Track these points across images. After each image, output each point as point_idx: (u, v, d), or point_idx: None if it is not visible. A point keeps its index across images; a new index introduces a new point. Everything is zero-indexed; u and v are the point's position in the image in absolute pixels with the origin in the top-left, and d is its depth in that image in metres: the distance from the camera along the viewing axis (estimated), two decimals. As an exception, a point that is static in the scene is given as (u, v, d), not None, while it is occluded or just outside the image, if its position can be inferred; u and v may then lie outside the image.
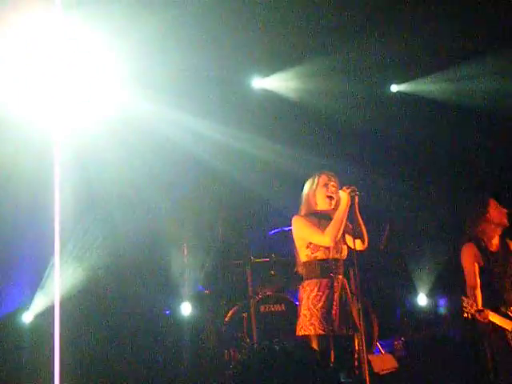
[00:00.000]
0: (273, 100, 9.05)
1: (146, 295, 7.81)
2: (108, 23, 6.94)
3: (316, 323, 5.56)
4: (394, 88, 9.42)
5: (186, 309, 7.93)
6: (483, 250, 6.12)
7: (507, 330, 5.89)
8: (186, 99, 8.09)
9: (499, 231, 6.22)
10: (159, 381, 7.20)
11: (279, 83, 9.03)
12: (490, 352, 6.01)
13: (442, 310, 8.94)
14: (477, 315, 5.81)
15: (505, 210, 6.21)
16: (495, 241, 6.22)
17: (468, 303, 5.81)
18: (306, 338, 5.58)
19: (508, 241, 6.28)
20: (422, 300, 9.15)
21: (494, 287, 6.04)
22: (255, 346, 7.03)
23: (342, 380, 4.26)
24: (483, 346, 6.07)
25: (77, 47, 6.97)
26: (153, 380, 7.20)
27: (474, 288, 5.97)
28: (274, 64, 8.82)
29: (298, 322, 5.68)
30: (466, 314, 5.79)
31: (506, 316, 5.94)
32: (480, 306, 5.83)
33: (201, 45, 7.78)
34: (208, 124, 8.43)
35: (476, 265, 6.06)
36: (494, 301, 5.97)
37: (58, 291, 6.60)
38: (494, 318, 5.87)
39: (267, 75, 9.05)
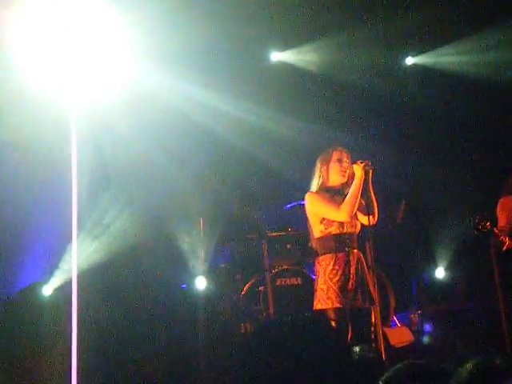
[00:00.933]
0: (290, 73, 9.00)
1: (162, 270, 7.83)
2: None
3: (333, 297, 5.59)
4: (410, 60, 9.32)
5: (201, 283, 7.95)
6: None
7: None
8: (201, 73, 8.06)
9: None
10: (176, 354, 7.24)
11: (297, 56, 8.98)
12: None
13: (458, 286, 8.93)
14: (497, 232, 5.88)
15: None
16: None
17: (483, 220, 5.84)
18: (324, 311, 5.61)
19: None
20: (440, 273, 9.12)
21: None
22: (270, 318, 7.05)
23: (358, 352, 4.26)
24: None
25: (92, 21, 6.95)
26: (170, 353, 7.24)
27: None
28: (291, 38, 8.78)
29: (315, 296, 5.71)
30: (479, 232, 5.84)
31: None
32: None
33: (216, 18, 7.76)
34: (224, 98, 8.41)
35: None
36: None
37: (75, 266, 6.66)
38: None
39: (284, 49, 9.00)
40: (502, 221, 6.17)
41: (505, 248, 5.97)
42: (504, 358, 2.68)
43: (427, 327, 8.03)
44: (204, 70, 8.07)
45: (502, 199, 6.32)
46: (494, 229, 5.94)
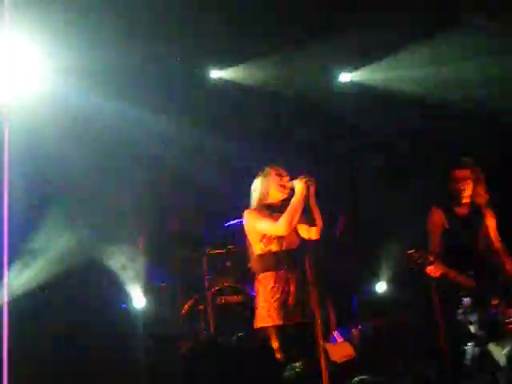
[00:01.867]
0: (229, 90, 9.02)
1: (100, 290, 7.73)
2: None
3: (274, 314, 5.58)
4: (345, 77, 9.40)
5: (141, 302, 7.87)
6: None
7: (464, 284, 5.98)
8: (137, 90, 8.05)
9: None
10: (115, 374, 7.13)
11: (236, 73, 9.01)
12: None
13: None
14: (427, 266, 5.90)
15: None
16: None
17: (417, 253, 5.86)
18: (265, 329, 5.60)
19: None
20: (381, 287, 9.18)
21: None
22: (207, 337, 7.03)
23: (298, 368, 4.27)
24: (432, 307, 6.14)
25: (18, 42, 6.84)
26: (108, 373, 7.13)
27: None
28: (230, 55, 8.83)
29: (256, 315, 5.70)
30: (414, 265, 5.87)
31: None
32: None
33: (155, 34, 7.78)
34: (160, 117, 8.40)
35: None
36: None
37: (6, 292, 6.50)
38: (450, 271, 5.96)
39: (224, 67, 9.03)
40: (435, 241, 6.20)
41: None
42: (439, 373, 2.70)
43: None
44: (140, 87, 8.05)
45: (431, 212, 6.36)
46: (429, 257, 5.97)
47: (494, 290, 6.03)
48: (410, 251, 5.87)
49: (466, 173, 6.30)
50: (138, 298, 7.87)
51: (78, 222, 7.79)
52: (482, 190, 6.35)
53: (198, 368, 2.03)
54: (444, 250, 6.08)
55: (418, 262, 5.89)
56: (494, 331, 5.89)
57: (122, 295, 7.95)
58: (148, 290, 7.96)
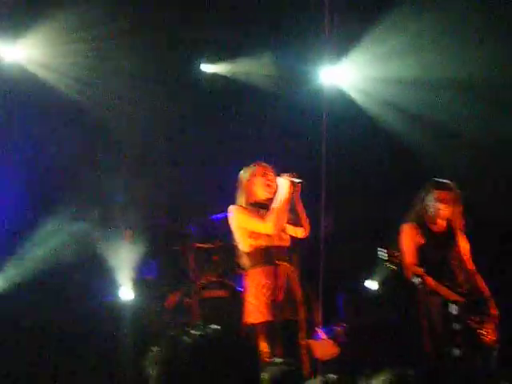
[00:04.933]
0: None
1: (86, 283, 7.72)
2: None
3: (264, 310, 5.61)
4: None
5: (128, 295, 7.86)
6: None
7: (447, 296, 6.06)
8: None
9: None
10: (101, 367, 7.13)
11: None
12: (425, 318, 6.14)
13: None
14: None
15: None
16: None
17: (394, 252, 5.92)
18: (255, 325, 5.63)
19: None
20: (370, 285, 9.19)
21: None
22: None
23: (281, 366, 4.27)
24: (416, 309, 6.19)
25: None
26: (94, 366, 7.13)
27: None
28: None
29: (245, 310, 5.72)
30: (391, 264, 5.92)
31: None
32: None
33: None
34: (151, 108, 8.41)
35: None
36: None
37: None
38: (432, 282, 6.05)
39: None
40: (408, 254, 6.27)
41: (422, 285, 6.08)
42: (416, 370, 2.73)
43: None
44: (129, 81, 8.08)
45: (406, 227, 6.42)
46: (406, 264, 6.04)
47: (471, 306, 6.14)
48: (381, 250, 5.94)
49: (447, 195, 6.36)
50: (125, 291, 7.85)
51: (64, 215, 7.78)
52: (458, 212, 6.43)
53: (181, 361, 2.05)
54: (418, 265, 6.13)
55: (395, 262, 5.95)
56: (475, 342, 5.99)
57: (108, 288, 7.94)
58: (134, 283, 7.94)
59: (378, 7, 8.26)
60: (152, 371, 2.21)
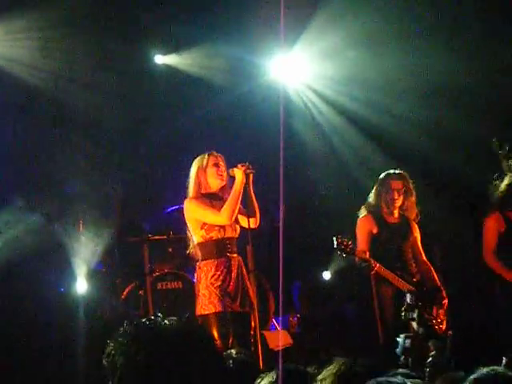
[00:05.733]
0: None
1: (38, 274, 7.64)
2: None
3: (215, 301, 5.64)
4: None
5: (82, 286, 7.80)
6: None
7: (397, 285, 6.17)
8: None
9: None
10: (54, 360, 7.08)
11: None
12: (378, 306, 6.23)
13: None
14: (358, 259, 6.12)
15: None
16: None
17: (341, 239, 6.01)
18: (206, 316, 5.66)
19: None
20: (325, 277, 9.25)
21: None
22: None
23: (235, 355, 4.29)
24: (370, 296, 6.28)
25: None
26: (47, 358, 7.07)
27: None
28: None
29: (197, 302, 5.75)
30: (342, 252, 6.05)
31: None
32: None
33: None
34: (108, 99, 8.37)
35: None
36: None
37: None
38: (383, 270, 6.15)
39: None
40: (361, 243, 6.39)
41: (373, 272, 6.18)
42: (366, 361, 2.78)
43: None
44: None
45: (360, 218, 6.57)
46: (356, 252, 6.15)
47: (422, 295, 6.26)
48: (336, 237, 6.03)
49: (399, 184, 6.46)
50: (80, 283, 7.80)
51: (19, 207, 7.70)
52: (411, 202, 6.54)
53: (136, 353, 2.04)
54: (371, 255, 6.22)
55: (345, 251, 6.04)
56: (431, 330, 6.10)
57: (62, 280, 7.88)
58: (89, 275, 7.88)
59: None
60: (108, 363, 2.20)
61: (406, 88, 8.33)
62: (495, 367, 2.67)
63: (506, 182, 6.54)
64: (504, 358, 3.68)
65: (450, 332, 6.16)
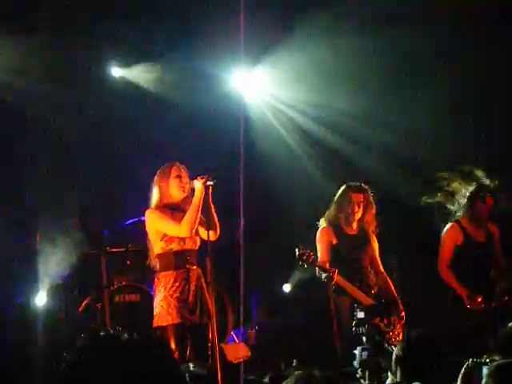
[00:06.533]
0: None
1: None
2: None
3: (173, 313, 5.63)
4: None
5: (41, 299, 7.73)
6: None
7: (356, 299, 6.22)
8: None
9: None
10: (10, 371, 6.99)
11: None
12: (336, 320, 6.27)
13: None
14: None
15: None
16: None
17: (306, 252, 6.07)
18: (164, 328, 5.65)
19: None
20: (285, 289, 9.27)
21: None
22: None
23: (192, 368, 4.31)
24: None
25: None
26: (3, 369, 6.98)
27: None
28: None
29: (155, 314, 5.73)
30: (303, 263, 6.10)
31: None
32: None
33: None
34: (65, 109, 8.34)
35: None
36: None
37: None
38: (342, 281, 6.19)
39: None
40: (321, 254, 6.46)
41: (333, 283, 6.24)
42: (323, 373, 2.81)
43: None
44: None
45: (320, 229, 6.64)
46: (317, 262, 6.22)
47: (380, 307, 6.34)
48: (298, 248, 6.08)
49: (360, 197, 6.55)
50: (38, 295, 7.72)
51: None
52: (371, 215, 6.63)
53: (90, 366, 2.04)
54: (330, 266, 6.28)
55: (306, 261, 6.10)
56: (380, 344, 6.16)
57: (18, 291, 7.80)
58: (47, 288, 7.81)
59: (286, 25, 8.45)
60: (64, 375, 2.20)
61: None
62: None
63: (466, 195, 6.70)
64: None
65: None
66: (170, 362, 2.46)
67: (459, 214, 6.80)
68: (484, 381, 3.09)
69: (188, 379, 3.72)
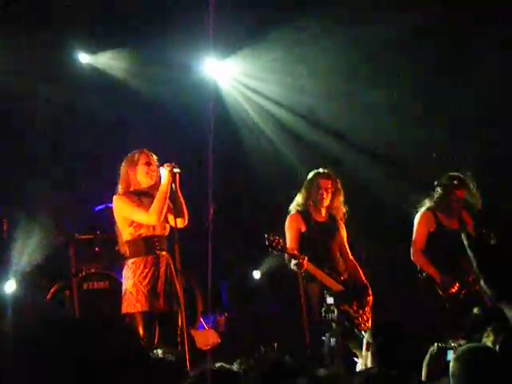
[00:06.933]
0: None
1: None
2: None
3: (142, 300, 5.61)
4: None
5: (11, 287, 7.67)
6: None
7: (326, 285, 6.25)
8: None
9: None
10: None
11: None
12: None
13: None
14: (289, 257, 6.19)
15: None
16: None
17: (272, 237, 6.07)
18: (132, 315, 5.62)
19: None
20: (254, 276, 9.28)
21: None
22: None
23: (160, 355, 4.28)
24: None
25: None
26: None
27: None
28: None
29: (124, 300, 5.70)
30: (273, 249, 6.13)
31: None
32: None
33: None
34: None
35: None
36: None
37: None
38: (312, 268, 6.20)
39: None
40: (290, 241, 6.46)
41: (303, 269, 6.24)
42: (294, 359, 2.82)
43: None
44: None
45: (289, 216, 6.63)
46: (286, 249, 6.22)
47: (350, 293, 6.37)
48: (268, 235, 6.09)
49: (328, 183, 6.56)
50: (8, 283, 7.65)
51: None
52: (339, 202, 6.64)
53: (56, 352, 2.01)
54: (300, 252, 6.29)
55: (276, 248, 6.10)
56: (349, 330, 6.20)
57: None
58: (14, 275, 7.75)
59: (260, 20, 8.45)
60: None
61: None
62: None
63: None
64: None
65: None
66: (137, 349, 2.45)
67: (429, 202, 6.83)
68: (451, 364, 3.12)
69: (156, 365, 3.70)
